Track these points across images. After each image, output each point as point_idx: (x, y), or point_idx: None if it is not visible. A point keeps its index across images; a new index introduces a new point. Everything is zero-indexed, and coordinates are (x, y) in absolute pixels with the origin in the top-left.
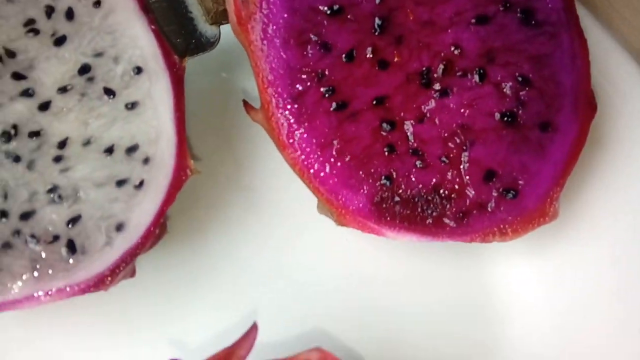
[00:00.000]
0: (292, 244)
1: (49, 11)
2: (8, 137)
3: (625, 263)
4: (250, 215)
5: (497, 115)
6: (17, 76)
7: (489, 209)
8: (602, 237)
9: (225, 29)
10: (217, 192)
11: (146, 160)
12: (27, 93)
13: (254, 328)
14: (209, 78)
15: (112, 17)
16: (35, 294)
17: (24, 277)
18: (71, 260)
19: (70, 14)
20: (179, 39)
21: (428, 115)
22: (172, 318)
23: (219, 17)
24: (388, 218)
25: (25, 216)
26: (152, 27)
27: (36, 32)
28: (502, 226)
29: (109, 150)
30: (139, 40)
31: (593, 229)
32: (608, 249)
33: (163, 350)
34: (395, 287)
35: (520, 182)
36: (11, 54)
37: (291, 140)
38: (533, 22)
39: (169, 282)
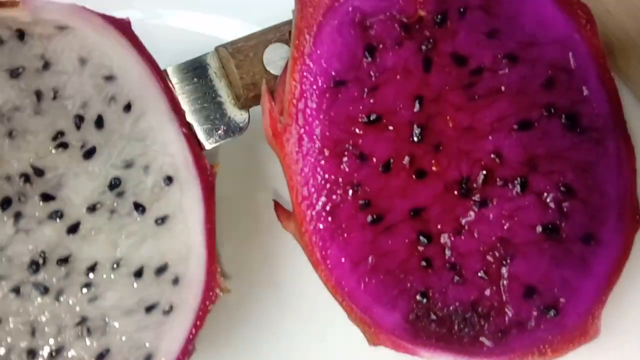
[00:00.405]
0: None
1: (79, 121)
2: (37, 266)
3: None
4: (282, 320)
5: (539, 228)
6: (46, 197)
7: (529, 328)
8: None
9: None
10: (246, 312)
11: (175, 281)
12: (56, 215)
13: None
14: (240, 174)
15: (143, 122)
16: None
17: None
18: None
19: (100, 122)
20: (208, 124)
21: (466, 227)
22: None
23: (249, 102)
24: (423, 337)
25: (55, 354)
26: (184, 130)
27: (65, 146)
28: (541, 346)
29: (139, 274)
30: (170, 146)
31: (636, 347)
32: None
33: None
34: None
35: (562, 299)
36: (40, 172)
37: (325, 258)
38: (578, 128)
39: None
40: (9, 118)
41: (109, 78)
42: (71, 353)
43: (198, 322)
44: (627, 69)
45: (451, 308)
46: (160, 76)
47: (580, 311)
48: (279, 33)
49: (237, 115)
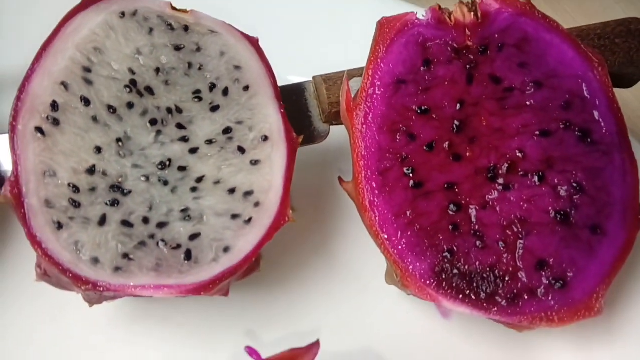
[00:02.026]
0: (358, 304)
1: (212, 87)
2: (163, 166)
3: None
4: (326, 269)
5: (552, 213)
6: (180, 126)
7: (539, 295)
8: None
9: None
10: (303, 245)
11: (257, 204)
12: (184, 139)
13: (317, 344)
14: (317, 160)
15: (255, 99)
16: (152, 285)
17: (149, 270)
18: (185, 266)
19: (225, 92)
20: (300, 137)
21: (491, 203)
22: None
23: (332, 118)
24: (446, 287)
25: (161, 225)
26: (282, 110)
27: (200, 99)
28: (549, 313)
29: (232, 191)
30: (270, 117)
31: (635, 331)
32: None
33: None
34: None
35: (569, 274)
36: (179, 110)
37: (372, 206)
38: (589, 140)
39: (251, 303)
40: (167, 72)
41: (237, 67)
42: (174, 227)
43: (267, 236)
44: None
45: (472, 267)
46: (271, 74)
47: (586, 288)
48: (361, 71)
49: (321, 126)
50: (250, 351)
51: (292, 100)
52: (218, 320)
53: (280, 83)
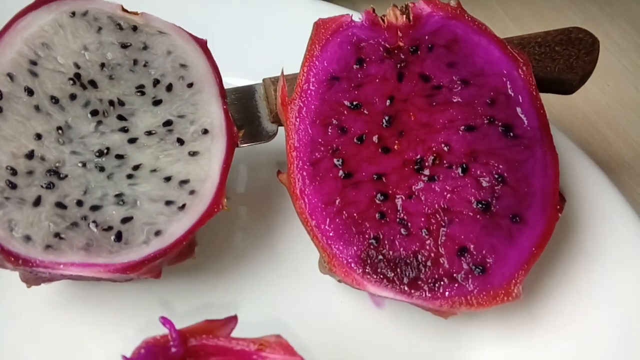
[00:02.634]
0: (292, 293)
1: (156, 83)
2: (101, 154)
3: (580, 349)
4: (263, 260)
5: (474, 203)
6: (121, 117)
7: (459, 280)
8: (563, 325)
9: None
10: (243, 236)
11: (192, 192)
12: (123, 129)
13: (234, 318)
14: (264, 157)
15: (198, 95)
16: (82, 263)
17: (79, 249)
18: (115, 247)
19: (169, 88)
20: (246, 129)
21: (416, 194)
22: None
23: (279, 118)
24: (371, 272)
25: (94, 208)
26: (224, 107)
27: (143, 93)
28: (469, 297)
29: (168, 179)
30: (212, 113)
31: (555, 318)
32: (567, 333)
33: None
34: (377, 351)
35: (489, 260)
36: (121, 103)
37: (302, 194)
38: (511, 135)
39: (185, 288)
40: (112, 68)
41: (183, 65)
42: (107, 210)
43: (200, 222)
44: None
45: (396, 253)
46: (217, 73)
47: (505, 274)
48: None
49: (269, 126)
50: (164, 321)
51: (242, 101)
52: (156, 301)
53: (232, 85)
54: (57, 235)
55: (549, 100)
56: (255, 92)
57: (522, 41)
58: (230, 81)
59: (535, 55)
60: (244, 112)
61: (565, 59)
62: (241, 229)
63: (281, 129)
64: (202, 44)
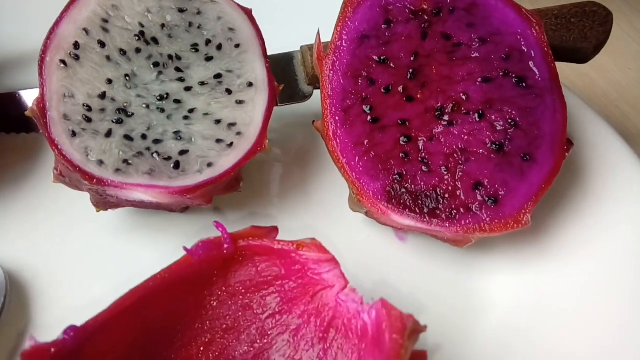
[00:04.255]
0: (324, 228)
1: (208, 42)
2: (161, 98)
3: (584, 277)
4: (299, 198)
5: (489, 144)
6: (178, 69)
7: (474, 210)
8: (567, 255)
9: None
10: (283, 177)
11: (239, 134)
12: (180, 79)
13: (276, 227)
14: (301, 114)
15: (244, 55)
16: (146, 184)
17: (144, 173)
18: (174, 174)
19: (219, 47)
20: (282, 86)
21: (436, 136)
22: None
23: (315, 80)
24: (395, 203)
25: (156, 142)
26: (267, 65)
27: (197, 50)
28: (482, 224)
29: (218, 122)
30: (256, 69)
31: (560, 248)
32: (572, 264)
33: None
34: (400, 278)
35: (501, 193)
36: (179, 57)
37: (334, 136)
38: (524, 85)
39: (233, 216)
40: (171, 28)
41: (231, 29)
42: (167, 144)
43: (245, 158)
44: None
45: (418, 187)
46: (261, 38)
47: (515, 205)
48: None
49: (305, 88)
50: (217, 224)
51: (282, 65)
52: (207, 230)
53: (274, 51)
54: (125, 161)
55: (569, 77)
56: (293, 58)
57: (540, 13)
58: (271, 49)
59: (552, 26)
60: (284, 76)
61: (580, 30)
62: (279, 171)
63: (316, 92)
64: (247, 12)
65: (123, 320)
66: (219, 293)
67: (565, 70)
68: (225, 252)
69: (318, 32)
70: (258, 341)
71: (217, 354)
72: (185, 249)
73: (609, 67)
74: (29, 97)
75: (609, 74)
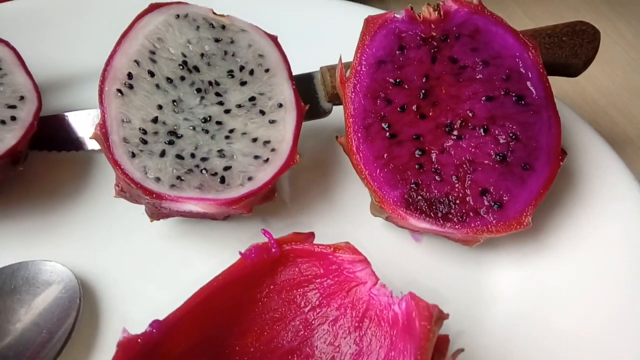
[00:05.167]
0: (348, 231)
1: (242, 69)
2: (205, 120)
3: (580, 270)
4: (325, 205)
5: (493, 155)
6: (217, 94)
7: (481, 213)
8: (564, 250)
9: (336, 109)
10: (310, 186)
11: (273, 150)
12: (220, 103)
13: (312, 233)
14: (322, 129)
15: (274, 79)
16: (197, 198)
17: (195, 188)
18: (220, 187)
19: (252, 72)
20: (308, 106)
21: (447, 149)
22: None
23: (334, 98)
24: (412, 209)
25: (203, 159)
26: (293, 87)
27: (232, 76)
28: (489, 226)
29: (254, 140)
30: (284, 91)
31: (558, 246)
32: (569, 258)
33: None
34: (416, 275)
35: (505, 198)
36: (217, 83)
37: (357, 151)
38: (523, 102)
39: (269, 222)
40: (209, 57)
41: (261, 55)
42: (212, 161)
43: (280, 172)
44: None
45: (432, 194)
46: (287, 62)
47: (518, 209)
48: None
49: (325, 105)
50: (264, 231)
51: (304, 84)
52: (247, 235)
53: (296, 72)
54: (178, 177)
55: (562, 86)
56: (314, 77)
57: (535, 33)
58: (294, 70)
59: (545, 44)
60: (306, 94)
61: (571, 47)
62: (307, 181)
63: (335, 108)
64: (273, 39)
65: (194, 314)
66: (268, 290)
67: (559, 79)
68: (273, 255)
69: (340, 58)
70: (302, 330)
71: (267, 341)
72: (240, 253)
73: (598, 75)
74: (75, 118)
75: (598, 82)
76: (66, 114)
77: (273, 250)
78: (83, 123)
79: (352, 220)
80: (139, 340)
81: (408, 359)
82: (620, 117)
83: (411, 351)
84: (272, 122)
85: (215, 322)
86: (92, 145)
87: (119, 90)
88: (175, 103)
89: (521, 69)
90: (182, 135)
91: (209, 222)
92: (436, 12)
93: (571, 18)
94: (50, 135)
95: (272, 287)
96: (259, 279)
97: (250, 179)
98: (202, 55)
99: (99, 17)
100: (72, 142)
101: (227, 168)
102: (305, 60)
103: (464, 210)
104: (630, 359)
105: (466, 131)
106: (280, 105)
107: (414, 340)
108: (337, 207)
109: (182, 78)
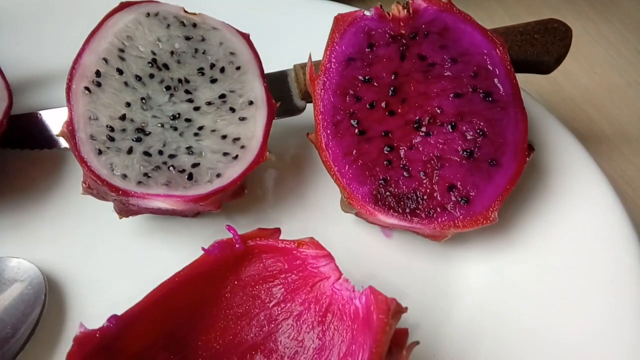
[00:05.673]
0: (319, 228)
1: (212, 66)
2: (174, 117)
3: (546, 264)
4: (295, 201)
5: (460, 151)
6: (187, 92)
7: (449, 209)
8: (531, 245)
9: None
10: (280, 183)
11: (243, 147)
12: (190, 100)
13: (278, 229)
14: (295, 127)
15: (245, 76)
16: (164, 194)
17: (162, 185)
18: (188, 184)
19: (222, 70)
20: (279, 103)
21: (415, 145)
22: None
23: (307, 95)
24: (381, 205)
25: (171, 156)
26: (265, 85)
27: (203, 74)
28: (456, 221)
29: (224, 137)
30: (255, 89)
31: (524, 240)
32: (536, 252)
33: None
34: (386, 271)
35: (472, 194)
36: (187, 80)
37: (327, 147)
38: (490, 99)
39: (238, 219)
40: (179, 54)
41: (232, 53)
42: (180, 158)
43: (249, 168)
44: None
45: (401, 190)
46: (258, 60)
47: (484, 204)
48: None
49: (299, 102)
50: (229, 227)
51: (278, 82)
52: (216, 232)
53: (271, 70)
54: (145, 174)
55: (540, 84)
56: (287, 75)
57: (507, 30)
58: (267, 68)
59: (517, 42)
60: (279, 92)
61: (543, 44)
62: (278, 178)
63: (309, 105)
64: (245, 37)
65: (154, 309)
66: (232, 286)
67: (537, 77)
68: (236, 251)
69: (310, 56)
70: (266, 326)
71: (231, 337)
72: (203, 249)
73: (575, 72)
74: (48, 116)
75: (575, 79)
76: (40, 112)
77: (237, 245)
78: (56, 121)
79: (323, 216)
80: (97, 335)
81: (366, 352)
82: (596, 115)
83: (369, 344)
84: (242, 119)
85: (178, 317)
86: (65, 143)
87: (87, 88)
88: (143, 100)
89: (489, 66)
90: (150, 133)
91: (179, 219)
92: (405, 10)
93: (552, 17)
94: (23, 133)
95: (236, 282)
96: (223, 275)
97: (218, 175)
98: (172, 53)
99: (72, 15)
100: (45, 140)
101: (195, 165)
102: (281, 58)
103: (431, 206)
104: (596, 350)
105: (434, 128)
106: (251, 103)
107: (371, 333)
108: (308, 204)
109: (152, 76)
